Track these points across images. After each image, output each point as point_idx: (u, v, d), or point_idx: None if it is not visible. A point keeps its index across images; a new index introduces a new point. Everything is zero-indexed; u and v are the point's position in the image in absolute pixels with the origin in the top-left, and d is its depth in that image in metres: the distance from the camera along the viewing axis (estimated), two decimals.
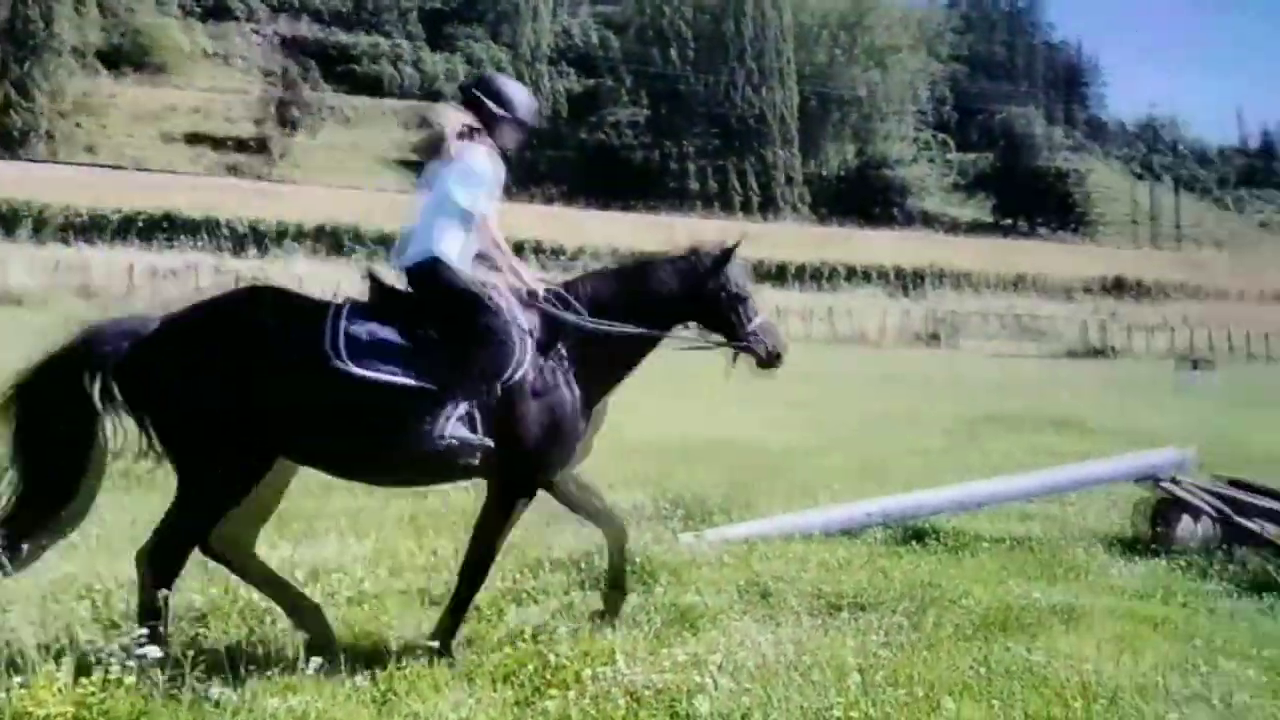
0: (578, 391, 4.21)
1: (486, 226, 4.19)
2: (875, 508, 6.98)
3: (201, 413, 3.84)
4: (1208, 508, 6.66)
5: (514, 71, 77.06)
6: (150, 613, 3.76)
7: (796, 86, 74.49)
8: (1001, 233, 73.78)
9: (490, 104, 4.26)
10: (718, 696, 3.82)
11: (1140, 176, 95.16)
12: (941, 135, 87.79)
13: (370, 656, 4.14)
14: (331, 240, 42.98)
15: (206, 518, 3.92)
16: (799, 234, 57.88)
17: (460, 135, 4.16)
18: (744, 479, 8.38)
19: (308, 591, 4.63)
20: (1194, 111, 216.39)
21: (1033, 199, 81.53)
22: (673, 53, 73.68)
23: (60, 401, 3.88)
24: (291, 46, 76.05)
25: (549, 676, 3.98)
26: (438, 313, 4.06)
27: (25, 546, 3.79)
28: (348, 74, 76.97)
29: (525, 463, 4.17)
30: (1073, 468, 7.71)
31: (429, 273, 4.09)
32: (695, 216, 60.04)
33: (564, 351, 4.21)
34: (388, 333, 3.95)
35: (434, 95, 76.58)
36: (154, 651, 3.52)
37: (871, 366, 27.24)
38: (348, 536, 6.12)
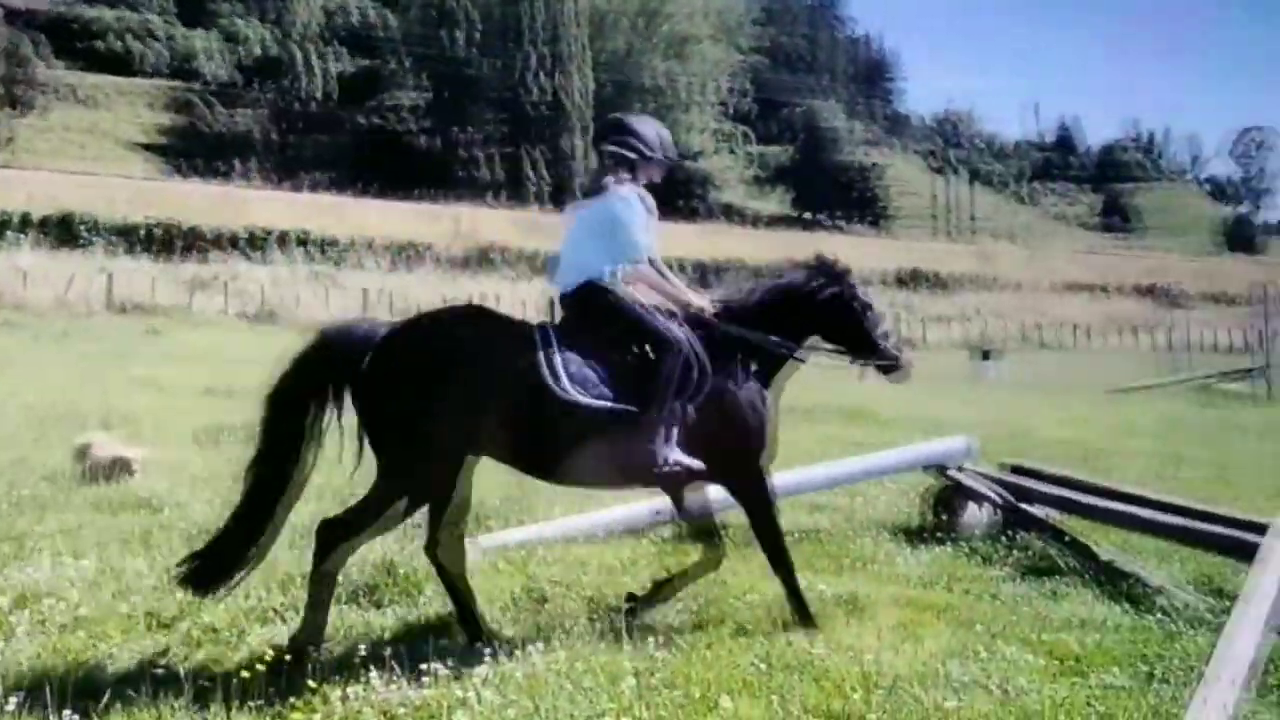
0: (756, 390, 4.78)
1: (653, 259, 4.79)
2: (662, 506, 6.99)
3: (419, 420, 4.27)
4: (992, 495, 7.05)
5: (279, 51, 74.32)
6: (319, 579, 4.35)
7: (593, 74, 75.06)
8: (801, 226, 76.84)
9: (636, 147, 4.80)
10: (481, 710, 3.78)
11: (939, 170, 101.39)
12: (742, 127, 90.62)
13: (81, 688, 3.87)
14: (64, 231, 40.00)
15: (386, 510, 4.39)
16: None
17: (619, 181, 4.73)
18: (524, 481, 8.27)
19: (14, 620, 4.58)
20: (992, 107, 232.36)
21: (832, 192, 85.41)
22: (458, 34, 72.80)
23: (301, 404, 4.38)
24: (20, 19, 70.49)
25: (293, 698, 3.86)
26: (611, 336, 4.57)
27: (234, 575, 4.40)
28: (88, 50, 72.26)
29: (747, 459, 4.83)
30: (861, 458, 8.02)
31: (596, 298, 4.62)
32: (486, 206, 59.54)
33: (737, 360, 4.73)
34: (586, 357, 4.45)
35: (188, 74, 73.05)
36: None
37: None
38: (64, 556, 5.69)
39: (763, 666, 4.38)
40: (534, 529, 6.60)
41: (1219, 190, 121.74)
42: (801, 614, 4.86)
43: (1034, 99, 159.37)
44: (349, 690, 3.91)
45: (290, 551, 5.86)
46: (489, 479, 8.27)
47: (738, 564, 6.18)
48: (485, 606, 5.14)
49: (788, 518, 7.34)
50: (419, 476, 4.41)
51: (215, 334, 28.79)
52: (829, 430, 12.74)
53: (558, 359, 4.37)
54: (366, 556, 5.70)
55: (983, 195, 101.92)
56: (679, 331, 4.58)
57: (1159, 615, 5.17)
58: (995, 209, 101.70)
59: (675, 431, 4.48)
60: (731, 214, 76.72)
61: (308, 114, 73.50)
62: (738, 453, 4.78)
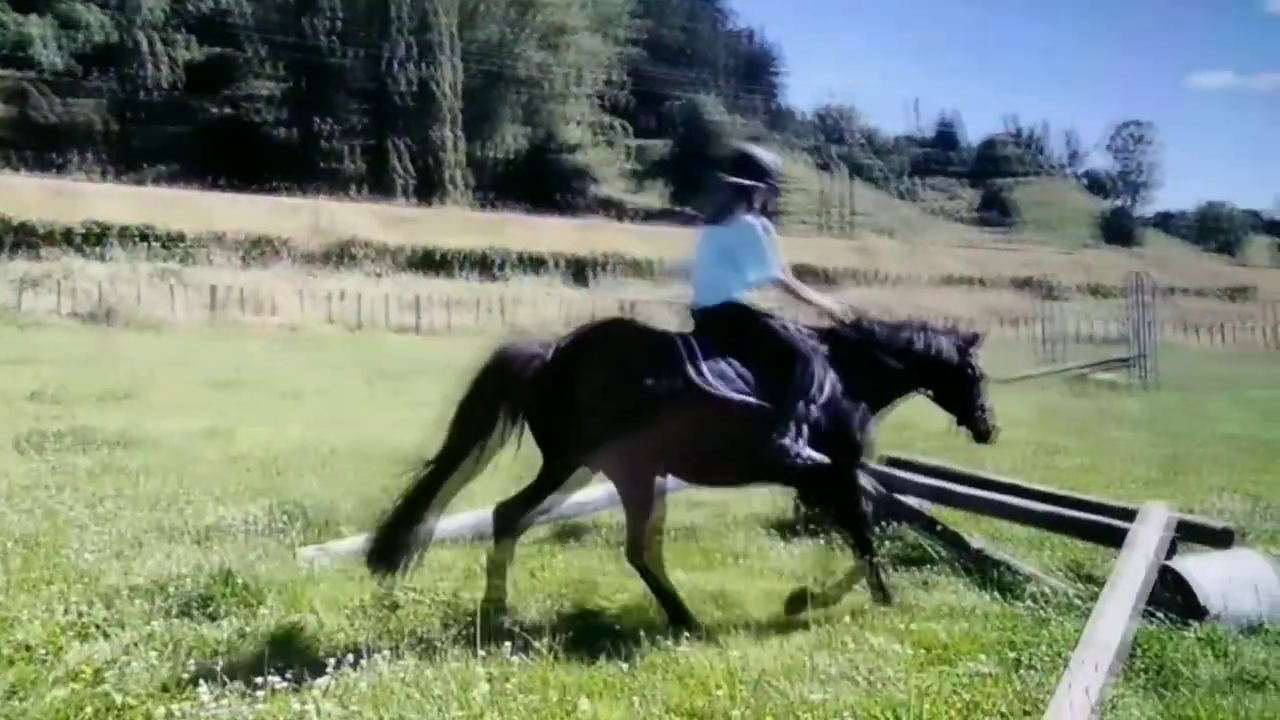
0: (864, 409, 5.27)
1: (787, 277, 5.42)
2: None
3: (584, 428, 4.90)
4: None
5: (121, 37, 71.42)
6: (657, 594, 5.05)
7: (461, 64, 74.33)
8: (681, 220, 77.44)
9: (763, 178, 5.41)
10: None
11: (821, 166, 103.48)
12: (619, 120, 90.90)
13: None
14: None
15: (641, 511, 5.11)
16: (466, 219, 57.76)
17: (747, 209, 5.31)
18: (380, 484, 8.14)
19: None
20: (873, 103, 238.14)
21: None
22: (319, 22, 71.20)
23: (482, 416, 5.05)
24: None
25: (112, 719, 3.72)
26: (748, 346, 5.12)
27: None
28: None
29: (854, 453, 5.28)
30: None
31: (735, 313, 5.25)
32: (348, 200, 58.33)
33: (858, 375, 5.27)
34: (724, 363, 5.01)
35: (22, 63, 69.50)
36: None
37: None
38: None
39: (625, 667, 4.37)
40: None
41: (1097, 184, 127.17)
42: (883, 595, 5.35)
43: (915, 95, 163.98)
44: (175, 707, 3.79)
45: (116, 563, 5.64)
46: (339, 483, 8.22)
47: (609, 563, 6.18)
48: (329, 615, 5.02)
49: (668, 515, 7.41)
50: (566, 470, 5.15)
51: (46, 335, 27.56)
52: None
53: (703, 364, 4.95)
54: (202, 565, 5.52)
55: (864, 190, 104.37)
56: (809, 344, 5.20)
57: (1029, 602, 5.31)
58: (876, 204, 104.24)
59: (804, 429, 4.99)
60: (608, 207, 76.85)
61: (152, 104, 70.84)
62: (841, 458, 5.18)
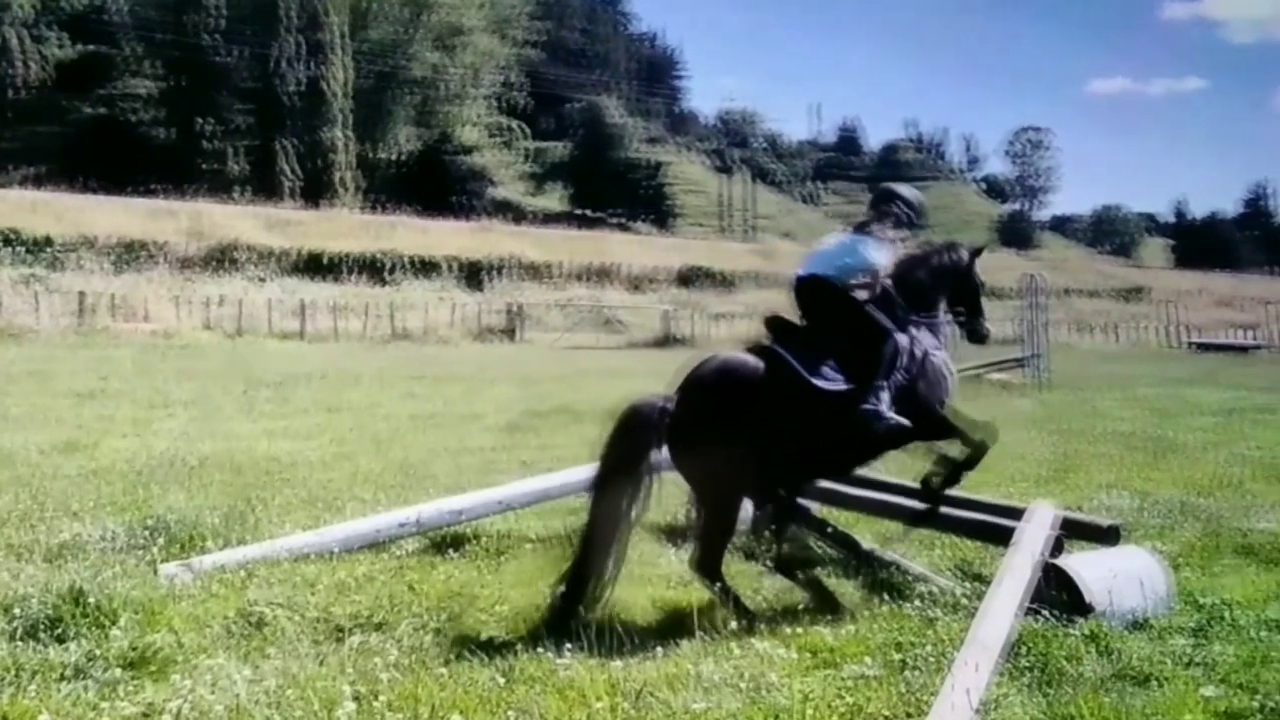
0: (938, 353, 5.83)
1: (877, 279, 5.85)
2: (410, 516, 6.82)
3: (725, 460, 5.30)
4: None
5: None
6: (725, 599, 5.32)
7: (352, 64, 73.31)
8: (579, 223, 77.45)
9: (906, 214, 6.07)
10: None
11: (722, 169, 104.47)
12: (517, 122, 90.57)
13: None
14: None
15: (730, 530, 5.65)
16: (356, 222, 57.02)
17: (882, 231, 5.94)
18: (250, 496, 7.96)
19: None
20: (775, 108, 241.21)
21: (614, 190, 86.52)
22: (199, 19, 69.55)
23: (627, 472, 5.46)
24: None
25: None
26: (833, 323, 5.67)
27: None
28: None
29: (935, 407, 5.70)
30: None
31: (821, 289, 5.75)
32: (231, 203, 57.11)
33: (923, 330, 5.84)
34: (814, 353, 5.51)
35: None
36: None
37: (434, 364, 27.39)
38: None
39: (502, 681, 4.28)
40: (257, 548, 6.27)
41: (995, 188, 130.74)
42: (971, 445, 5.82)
43: (817, 100, 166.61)
44: None
45: None
46: (207, 496, 7.98)
47: (489, 574, 6.09)
48: (189, 634, 4.84)
49: (549, 525, 7.36)
50: (727, 504, 5.60)
51: None
52: (597, 431, 12.75)
53: (798, 365, 5.44)
54: (49, 584, 5.27)
55: (766, 194, 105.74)
56: (888, 320, 5.67)
57: (917, 603, 5.36)
58: (778, 207, 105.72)
59: (887, 397, 5.46)
60: (504, 210, 76.49)
61: (20, 103, 68.61)
62: (928, 403, 5.70)
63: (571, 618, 5.09)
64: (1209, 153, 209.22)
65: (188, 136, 69.78)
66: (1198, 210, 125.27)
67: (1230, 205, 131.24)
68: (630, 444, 5.49)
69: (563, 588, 5.28)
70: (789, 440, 5.44)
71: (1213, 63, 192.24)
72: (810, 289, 5.83)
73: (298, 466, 9.77)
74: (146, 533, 6.63)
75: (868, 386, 5.47)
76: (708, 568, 5.43)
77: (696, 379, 5.58)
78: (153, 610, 5.10)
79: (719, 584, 5.42)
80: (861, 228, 6.03)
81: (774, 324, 5.84)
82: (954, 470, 5.86)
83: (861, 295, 5.83)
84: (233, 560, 6.06)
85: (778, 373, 5.44)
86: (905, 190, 6.37)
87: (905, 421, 5.49)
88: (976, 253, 6.32)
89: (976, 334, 6.31)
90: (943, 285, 6.11)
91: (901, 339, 5.64)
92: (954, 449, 5.86)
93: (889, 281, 5.88)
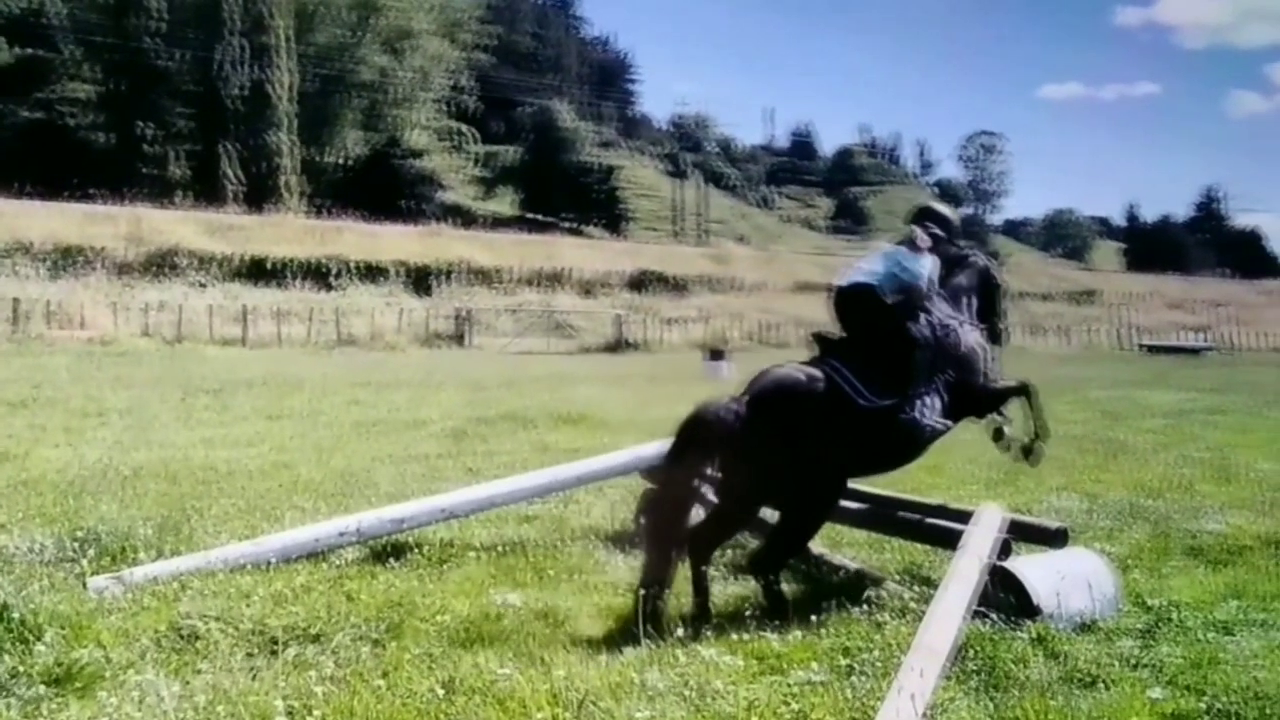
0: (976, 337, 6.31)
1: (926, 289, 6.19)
2: (351, 525, 6.73)
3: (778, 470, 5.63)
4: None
5: None
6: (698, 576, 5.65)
7: (297, 67, 72.70)
8: (529, 228, 77.28)
9: (943, 232, 6.47)
10: None
11: (675, 174, 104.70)
12: (467, 126, 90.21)
13: None
14: None
15: (807, 535, 6.02)
16: (300, 227, 56.51)
17: (930, 249, 6.27)
18: (185, 507, 7.83)
19: None
20: (729, 112, 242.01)
21: (566, 194, 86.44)
22: (140, 22, 68.64)
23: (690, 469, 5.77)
24: None
25: None
26: (870, 330, 6.01)
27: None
28: None
29: (975, 387, 6.16)
30: (572, 464, 7.97)
31: (864, 298, 6.05)
32: (172, 208, 56.36)
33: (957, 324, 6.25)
34: (861, 366, 5.82)
35: None
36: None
37: (380, 370, 27.20)
38: None
39: (441, 692, 4.23)
40: (191, 559, 6.15)
41: (948, 193, 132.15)
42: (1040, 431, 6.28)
43: (771, 105, 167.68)
44: None
45: None
46: (140, 506, 7.84)
47: (431, 583, 6.03)
48: (118, 649, 4.73)
49: (494, 532, 7.31)
50: (754, 508, 6.07)
51: None
52: (545, 437, 12.75)
53: (846, 383, 5.76)
54: None
55: (720, 198, 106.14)
56: (927, 330, 6.02)
57: (866, 607, 5.36)
58: (732, 212, 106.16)
59: (926, 403, 5.88)
60: (453, 215, 76.15)
61: None
62: (969, 387, 6.15)
63: (661, 617, 5.23)
64: (1161, 157, 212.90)
65: (128, 140, 68.84)
66: (1149, 214, 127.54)
67: (1182, 209, 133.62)
68: (697, 448, 5.72)
69: (644, 590, 5.30)
70: (841, 451, 5.72)
71: (1164, 68, 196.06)
72: (851, 299, 6.15)
73: (235, 475, 9.63)
74: (76, 544, 6.50)
75: (906, 396, 5.84)
76: (702, 555, 5.71)
77: (761, 393, 5.79)
78: (80, 624, 4.99)
79: (766, 582, 5.67)
80: (903, 243, 6.34)
81: (820, 340, 6.20)
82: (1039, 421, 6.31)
83: (904, 306, 6.15)
84: (165, 572, 5.95)
85: (833, 389, 5.74)
86: (942, 207, 6.84)
87: (946, 424, 5.97)
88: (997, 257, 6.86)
89: (995, 334, 6.61)
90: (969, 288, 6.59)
91: (925, 330, 6.03)
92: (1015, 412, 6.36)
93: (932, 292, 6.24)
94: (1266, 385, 25.45)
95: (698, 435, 5.73)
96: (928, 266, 6.23)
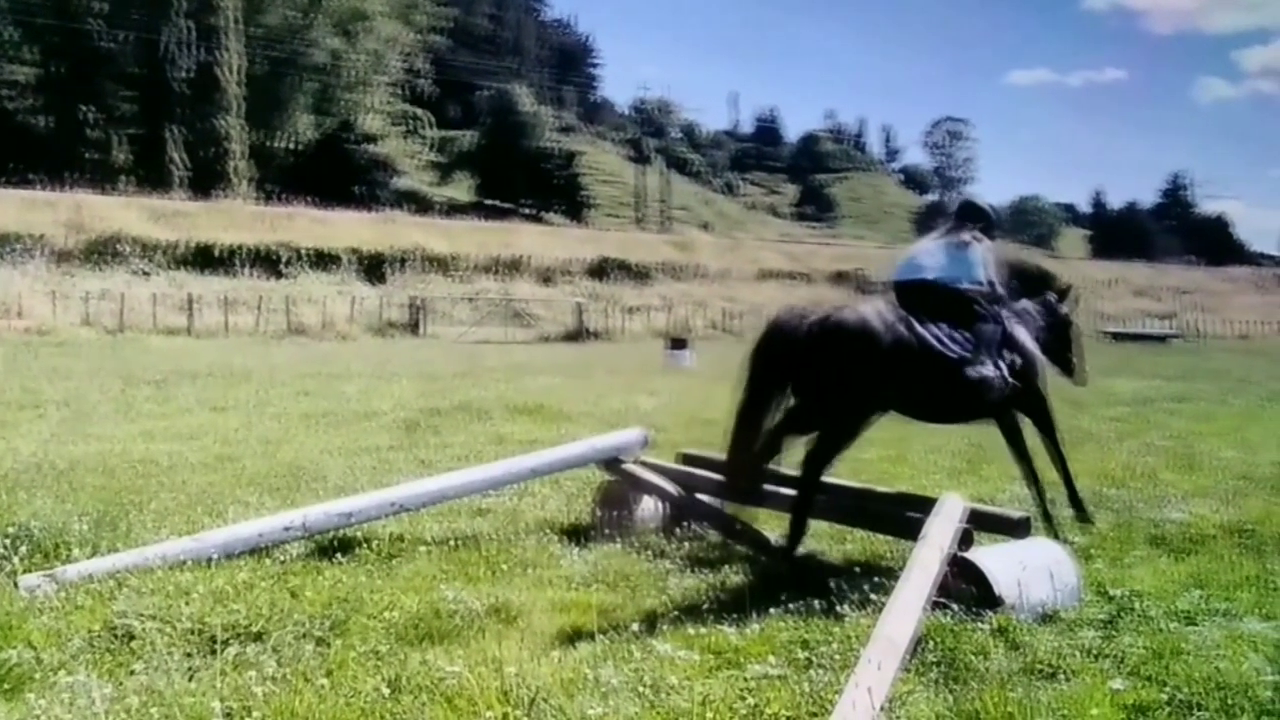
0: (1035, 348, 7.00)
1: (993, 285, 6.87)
2: (296, 519, 6.65)
3: (855, 386, 6.17)
4: (664, 486, 7.17)
5: None
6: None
7: (246, 50, 71.94)
8: (486, 214, 76.94)
9: (988, 225, 7.10)
10: None
11: (637, 160, 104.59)
12: (421, 111, 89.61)
13: None
14: None
15: (835, 453, 6.37)
16: (249, 214, 55.98)
17: (975, 239, 6.93)
18: (123, 502, 7.72)
19: None
20: (693, 97, 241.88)
21: (522, 180, 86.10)
22: (80, 3, 67.67)
23: (768, 370, 6.24)
24: None
25: None
26: (940, 309, 6.53)
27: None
28: None
29: (1039, 393, 7.03)
30: (525, 456, 7.90)
31: (932, 291, 6.63)
32: (116, 194, 55.63)
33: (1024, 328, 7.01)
34: (932, 326, 6.38)
35: None
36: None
37: (331, 360, 27.00)
38: None
39: (387, 691, 4.18)
40: (128, 555, 6.05)
41: (914, 179, 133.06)
42: (1076, 503, 7.17)
43: (735, 90, 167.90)
44: None
45: None
46: (76, 502, 7.71)
47: (380, 579, 5.97)
48: (49, 650, 4.65)
49: (446, 526, 7.25)
50: (846, 427, 6.37)
51: None
52: (501, 428, 12.68)
53: (924, 327, 6.33)
54: None
55: (683, 185, 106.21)
56: (987, 306, 6.67)
57: (827, 599, 5.35)
58: (695, 198, 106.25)
59: (988, 358, 6.44)
60: (408, 201, 75.71)
61: None
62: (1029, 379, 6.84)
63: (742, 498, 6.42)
64: (1128, 143, 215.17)
65: (68, 125, 67.91)
66: (1115, 201, 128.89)
67: (1148, 195, 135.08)
68: (775, 357, 6.22)
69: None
70: (913, 386, 6.29)
71: (1132, 54, 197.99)
72: (919, 291, 6.68)
73: (177, 469, 9.50)
74: (8, 541, 6.35)
75: (975, 355, 6.42)
76: (814, 470, 6.21)
77: (841, 319, 6.23)
78: (10, 624, 4.93)
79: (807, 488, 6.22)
80: (952, 234, 6.96)
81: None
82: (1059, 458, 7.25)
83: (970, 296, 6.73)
84: (101, 569, 5.85)
85: (909, 328, 6.28)
86: (986, 204, 7.37)
87: (1008, 379, 6.53)
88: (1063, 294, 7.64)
89: (1069, 368, 7.53)
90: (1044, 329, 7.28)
91: (995, 327, 6.62)
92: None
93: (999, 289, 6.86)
94: (1231, 373, 25.81)
95: (775, 346, 6.24)
96: (980, 255, 6.83)
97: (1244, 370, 27.15)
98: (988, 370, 6.44)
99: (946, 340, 6.41)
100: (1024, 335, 6.90)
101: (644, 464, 7.47)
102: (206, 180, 66.49)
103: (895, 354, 6.16)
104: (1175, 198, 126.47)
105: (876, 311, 6.37)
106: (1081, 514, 7.14)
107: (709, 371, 24.17)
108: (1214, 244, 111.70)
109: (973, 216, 7.12)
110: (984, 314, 6.63)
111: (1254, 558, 6.51)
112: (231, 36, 70.63)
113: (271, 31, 76.21)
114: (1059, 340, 7.44)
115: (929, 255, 6.89)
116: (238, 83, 71.01)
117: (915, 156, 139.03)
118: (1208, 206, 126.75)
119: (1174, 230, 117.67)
